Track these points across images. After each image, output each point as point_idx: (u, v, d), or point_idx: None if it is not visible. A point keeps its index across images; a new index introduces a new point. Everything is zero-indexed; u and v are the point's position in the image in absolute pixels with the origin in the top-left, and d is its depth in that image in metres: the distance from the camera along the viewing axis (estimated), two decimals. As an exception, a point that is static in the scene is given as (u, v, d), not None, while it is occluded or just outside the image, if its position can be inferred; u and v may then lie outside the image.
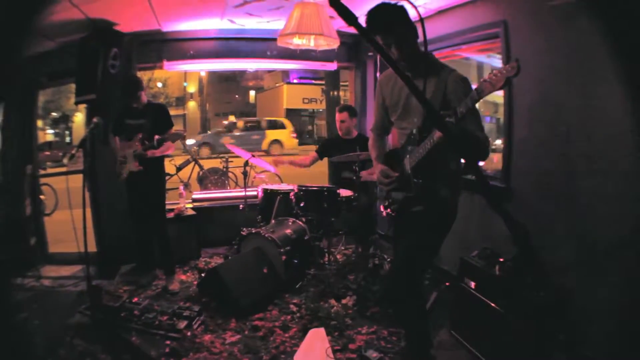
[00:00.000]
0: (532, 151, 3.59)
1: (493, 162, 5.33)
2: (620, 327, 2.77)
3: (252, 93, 45.42)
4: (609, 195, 2.86)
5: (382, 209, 2.95)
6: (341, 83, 16.61)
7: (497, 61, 6.97)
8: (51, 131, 27.69)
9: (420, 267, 2.78)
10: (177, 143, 5.57)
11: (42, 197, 6.23)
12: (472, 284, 3.24)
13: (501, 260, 3.12)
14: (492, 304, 3.01)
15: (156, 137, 4.35)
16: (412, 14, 2.50)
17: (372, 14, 2.47)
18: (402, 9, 2.49)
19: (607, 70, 2.77)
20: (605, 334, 2.85)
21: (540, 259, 1.12)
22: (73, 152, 3.74)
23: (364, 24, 1.13)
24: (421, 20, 2.39)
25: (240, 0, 4.55)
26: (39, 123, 17.37)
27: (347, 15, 1.07)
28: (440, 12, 4.61)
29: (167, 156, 4.75)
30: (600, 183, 2.91)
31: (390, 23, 2.46)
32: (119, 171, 4.54)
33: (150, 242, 4.83)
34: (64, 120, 27.94)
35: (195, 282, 4.65)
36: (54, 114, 26.91)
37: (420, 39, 2.46)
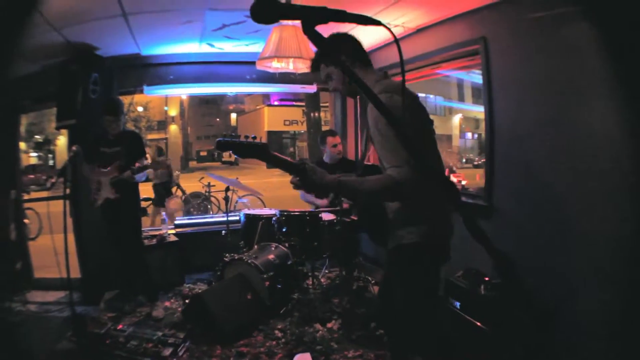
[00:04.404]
0: (514, 168, 3.58)
1: (476, 180, 5.36)
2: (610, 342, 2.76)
3: (233, 116, 45.51)
4: (594, 210, 2.83)
5: None
6: (322, 104, 16.67)
7: (476, 77, 7.06)
8: (34, 154, 27.47)
9: None
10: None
11: (26, 221, 6.13)
12: (457, 304, 3.24)
13: (487, 279, 3.13)
14: (477, 323, 3.02)
15: (137, 164, 4.33)
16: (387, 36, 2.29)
17: None
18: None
19: (588, 83, 2.79)
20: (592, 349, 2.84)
21: (525, 287, 1.10)
22: (53, 180, 3.71)
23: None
24: (396, 40, 2.20)
25: (219, 23, 4.55)
26: (23, 146, 17.13)
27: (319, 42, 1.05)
28: (420, 31, 4.60)
29: (149, 180, 4.67)
30: (584, 197, 2.90)
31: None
32: (94, 198, 4.48)
33: (132, 268, 4.76)
34: (47, 143, 27.73)
35: (180, 309, 4.58)
36: (37, 137, 26.69)
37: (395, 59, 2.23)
